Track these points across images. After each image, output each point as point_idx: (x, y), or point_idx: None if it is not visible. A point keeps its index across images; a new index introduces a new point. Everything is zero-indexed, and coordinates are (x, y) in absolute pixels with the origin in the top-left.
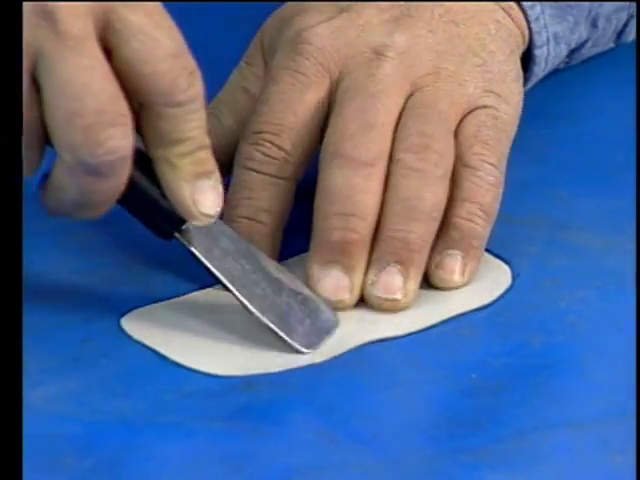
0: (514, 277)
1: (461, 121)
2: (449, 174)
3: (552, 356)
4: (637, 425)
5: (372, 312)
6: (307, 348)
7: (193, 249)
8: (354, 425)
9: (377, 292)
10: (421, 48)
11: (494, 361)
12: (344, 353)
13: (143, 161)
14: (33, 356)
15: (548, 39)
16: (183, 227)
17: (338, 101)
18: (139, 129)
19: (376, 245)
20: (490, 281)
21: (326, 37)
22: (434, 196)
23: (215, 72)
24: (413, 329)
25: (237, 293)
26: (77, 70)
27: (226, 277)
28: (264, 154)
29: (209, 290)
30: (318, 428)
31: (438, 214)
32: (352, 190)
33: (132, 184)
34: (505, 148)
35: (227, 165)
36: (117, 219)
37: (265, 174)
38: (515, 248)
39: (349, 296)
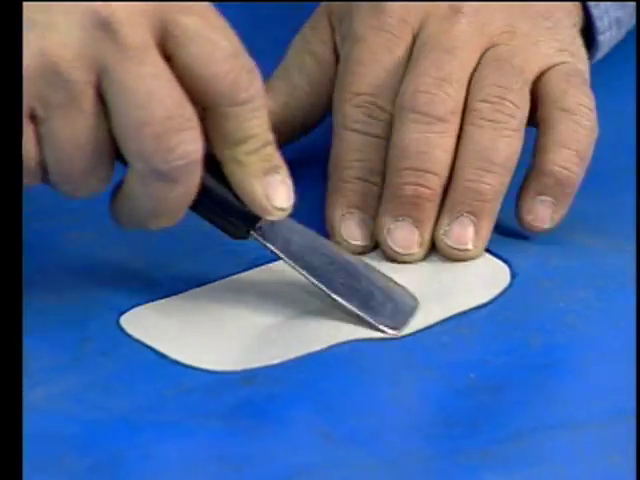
0: (513, 276)
1: (543, 75)
2: (524, 125)
3: (551, 356)
4: (637, 426)
5: None
6: (394, 329)
7: (271, 246)
8: (353, 424)
9: (449, 242)
10: (495, 8)
11: (493, 360)
12: (336, 346)
13: (212, 164)
14: (33, 355)
15: (610, 25)
16: (257, 225)
17: (414, 56)
18: (205, 132)
19: (449, 195)
20: (489, 280)
21: None
22: (508, 147)
23: None
24: (414, 329)
25: (320, 284)
26: (141, 79)
27: (307, 270)
28: (368, 115)
29: (207, 287)
30: (317, 426)
31: (512, 165)
32: (426, 146)
33: (203, 188)
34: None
35: (299, 124)
36: None
37: (373, 136)
38: (514, 248)
39: (418, 250)
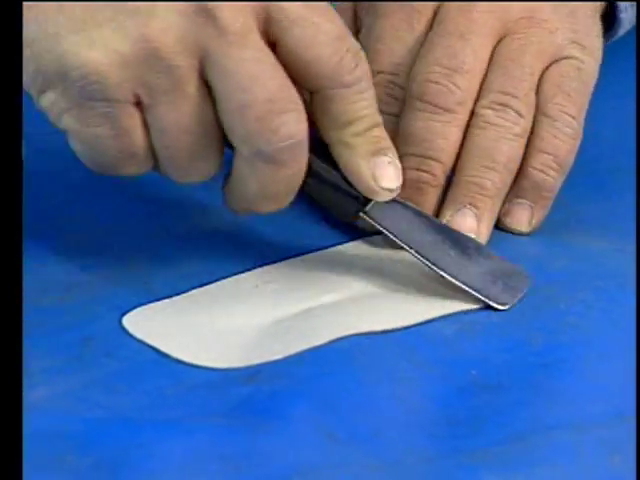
0: None
1: (545, 69)
2: (528, 131)
3: (552, 356)
4: (637, 426)
5: (373, 304)
6: (502, 305)
7: (382, 227)
8: (355, 422)
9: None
10: None
11: (494, 358)
12: (337, 340)
13: (320, 147)
14: (35, 355)
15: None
16: (367, 208)
17: (430, 36)
18: (312, 116)
19: (451, 190)
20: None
21: None
22: (510, 149)
23: None
24: (413, 322)
25: (429, 263)
26: (243, 63)
27: (416, 249)
28: (388, 94)
29: (209, 287)
30: (319, 425)
31: (513, 166)
32: (430, 134)
33: (312, 171)
34: (586, 101)
35: None
36: (117, 218)
37: (391, 115)
38: (516, 249)
39: None
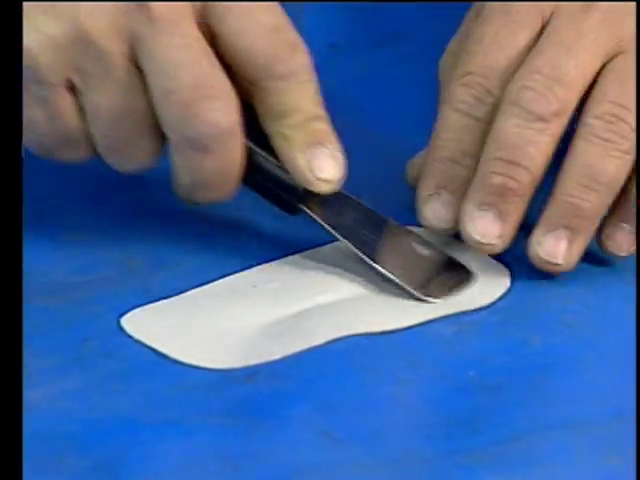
0: (513, 277)
1: None
2: (635, 148)
3: (551, 356)
4: (636, 426)
5: (372, 304)
6: (432, 298)
7: (320, 220)
8: (353, 423)
9: (541, 252)
10: (630, 9)
11: (493, 359)
12: (336, 340)
13: (262, 139)
14: (34, 355)
15: None
16: (309, 201)
17: (537, 47)
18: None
19: (548, 206)
20: (489, 283)
21: None
22: (616, 168)
23: None
24: (412, 322)
25: (365, 257)
26: (170, 49)
27: (354, 243)
28: (474, 97)
29: (207, 287)
30: (317, 425)
31: (617, 187)
32: (522, 140)
33: (253, 162)
34: None
35: None
36: (116, 219)
37: (474, 119)
38: (514, 249)
39: (496, 242)
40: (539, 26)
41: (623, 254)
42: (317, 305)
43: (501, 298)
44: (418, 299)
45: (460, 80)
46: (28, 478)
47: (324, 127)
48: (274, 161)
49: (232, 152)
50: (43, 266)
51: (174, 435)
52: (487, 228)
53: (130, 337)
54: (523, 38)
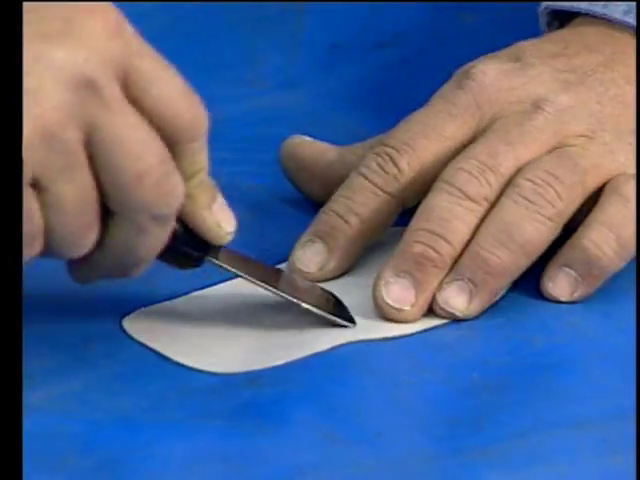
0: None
1: (610, 180)
2: (562, 220)
3: (553, 356)
4: (637, 426)
5: (374, 311)
6: (351, 323)
7: (231, 268)
8: (356, 425)
9: (439, 299)
10: (583, 113)
11: (495, 360)
12: (339, 346)
13: None
14: (36, 356)
15: None
16: (210, 253)
17: (481, 138)
18: None
19: (462, 256)
20: None
21: (492, 77)
22: (535, 231)
23: (217, 74)
24: (414, 330)
25: (284, 294)
26: (130, 129)
27: (269, 284)
28: (379, 165)
29: (210, 290)
30: (320, 427)
31: (533, 250)
32: (449, 214)
33: None
34: None
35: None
36: None
37: (371, 182)
38: None
39: (409, 309)
40: (473, 125)
41: (564, 299)
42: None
43: (502, 299)
44: (345, 326)
45: (374, 149)
46: (29, 478)
47: (210, 179)
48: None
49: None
50: (44, 267)
51: (176, 436)
52: (401, 294)
53: (132, 339)
54: (451, 130)
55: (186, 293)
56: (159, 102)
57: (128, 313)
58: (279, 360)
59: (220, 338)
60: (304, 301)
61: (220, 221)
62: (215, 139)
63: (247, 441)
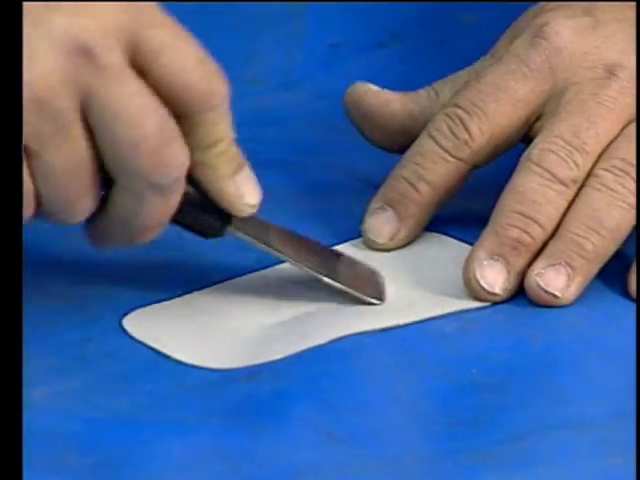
0: None
1: None
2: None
3: (552, 355)
4: (637, 426)
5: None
6: (379, 300)
7: (250, 238)
8: (355, 422)
9: (541, 282)
10: None
11: (495, 357)
12: (337, 340)
13: None
14: (36, 355)
15: None
16: (232, 222)
17: (557, 111)
18: None
19: (551, 243)
20: None
21: (565, 39)
22: (622, 217)
23: None
24: (414, 319)
25: (303, 267)
26: (128, 98)
27: (289, 256)
28: (449, 128)
29: (209, 290)
30: (319, 425)
31: (620, 236)
32: (543, 198)
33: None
34: None
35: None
36: None
37: (441, 147)
38: None
39: (501, 294)
40: (547, 87)
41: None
42: (318, 306)
43: None
44: (370, 303)
45: (445, 109)
46: (30, 478)
47: (238, 150)
48: (192, 189)
49: (182, 188)
50: (44, 266)
51: (176, 434)
52: (494, 278)
53: (132, 337)
54: (524, 92)
55: (186, 292)
56: (168, 71)
57: (128, 311)
58: (277, 354)
59: (219, 334)
60: (338, 281)
61: (243, 193)
62: None
63: (246, 439)
